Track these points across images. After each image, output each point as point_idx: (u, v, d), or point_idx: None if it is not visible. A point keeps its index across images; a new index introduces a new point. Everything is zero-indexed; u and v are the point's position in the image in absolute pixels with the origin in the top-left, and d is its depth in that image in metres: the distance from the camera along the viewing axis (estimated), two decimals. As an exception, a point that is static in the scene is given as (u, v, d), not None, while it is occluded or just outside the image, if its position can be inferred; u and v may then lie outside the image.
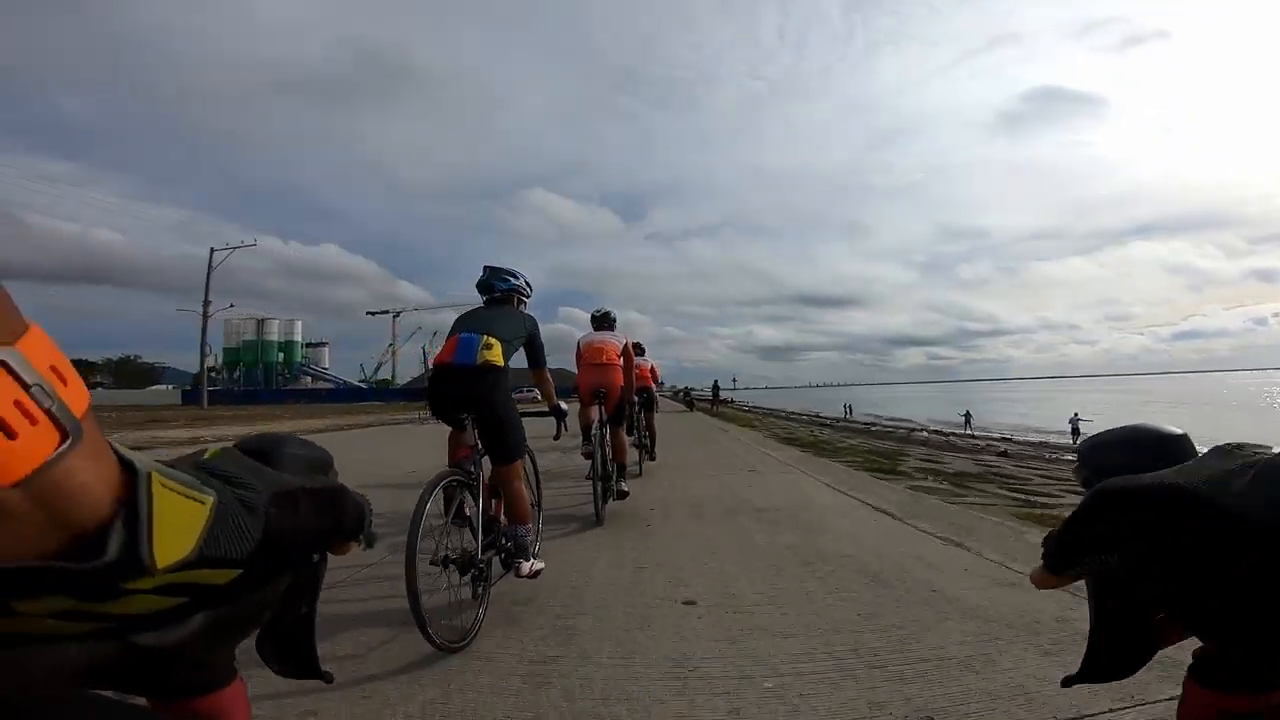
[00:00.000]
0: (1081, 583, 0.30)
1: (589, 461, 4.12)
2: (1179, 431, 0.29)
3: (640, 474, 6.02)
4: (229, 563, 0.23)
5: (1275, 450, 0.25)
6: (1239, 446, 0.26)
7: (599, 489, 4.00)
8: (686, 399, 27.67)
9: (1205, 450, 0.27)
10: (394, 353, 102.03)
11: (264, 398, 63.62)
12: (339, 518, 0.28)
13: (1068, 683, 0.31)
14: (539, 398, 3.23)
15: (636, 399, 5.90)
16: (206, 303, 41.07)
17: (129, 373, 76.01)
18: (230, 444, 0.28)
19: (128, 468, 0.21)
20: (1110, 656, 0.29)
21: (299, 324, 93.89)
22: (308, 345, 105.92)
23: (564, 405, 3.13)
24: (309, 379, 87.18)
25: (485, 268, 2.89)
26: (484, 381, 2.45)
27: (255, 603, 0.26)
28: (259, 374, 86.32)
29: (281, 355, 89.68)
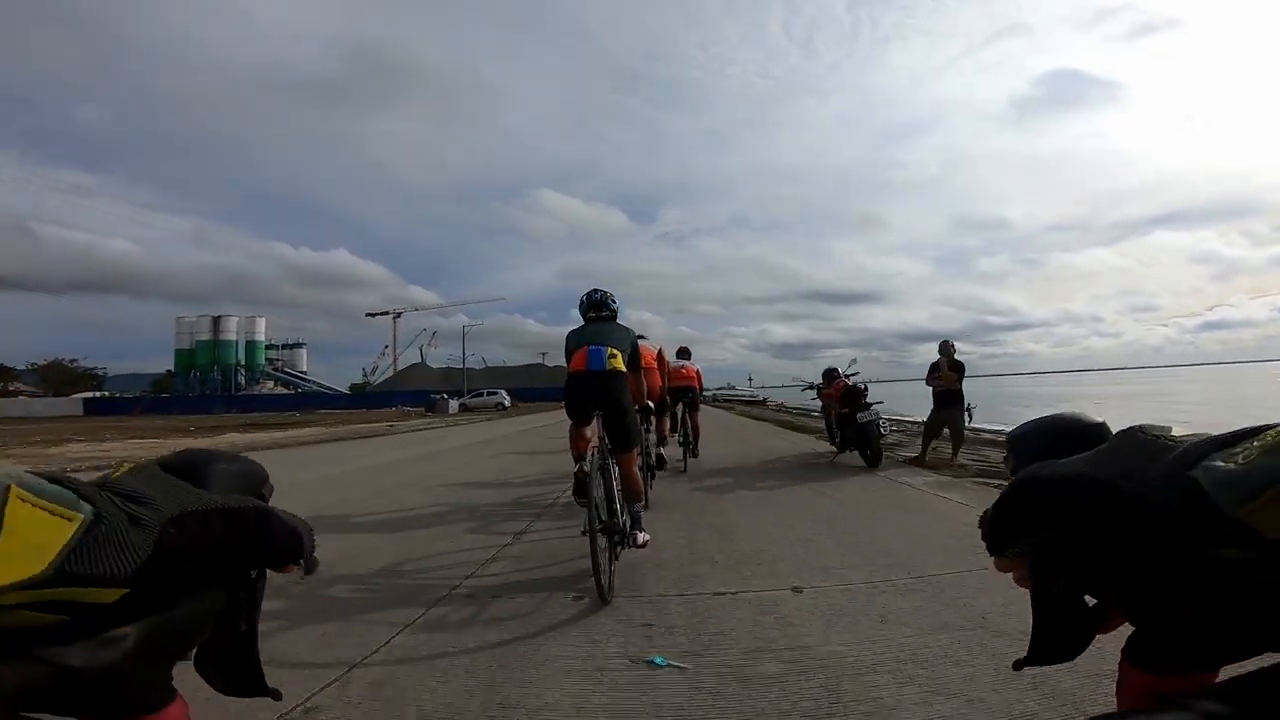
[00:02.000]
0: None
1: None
2: (1098, 420, 0.30)
3: (685, 470, 6.52)
4: (107, 580, 0.22)
5: (1175, 432, 0.25)
6: (1142, 430, 0.26)
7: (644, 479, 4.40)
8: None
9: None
10: (395, 355, 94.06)
11: (193, 405, 53.73)
12: (261, 539, 0.27)
13: (1019, 665, 0.31)
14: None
15: (682, 399, 7.13)
16: None
17: (57, 379, 65.87)
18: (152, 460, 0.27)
19: None
20: (1054, 639, 0.30)
21: (262, 321, 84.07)
22: (282, 346, 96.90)
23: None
24: (272, 383, 77.14)
25: (595, 290, 3.46)
26: (614, 384, 3.13)
27: (188, 620, 0.25)
28: (217, 378, 76.42)
29: (243, 357, 79.70)
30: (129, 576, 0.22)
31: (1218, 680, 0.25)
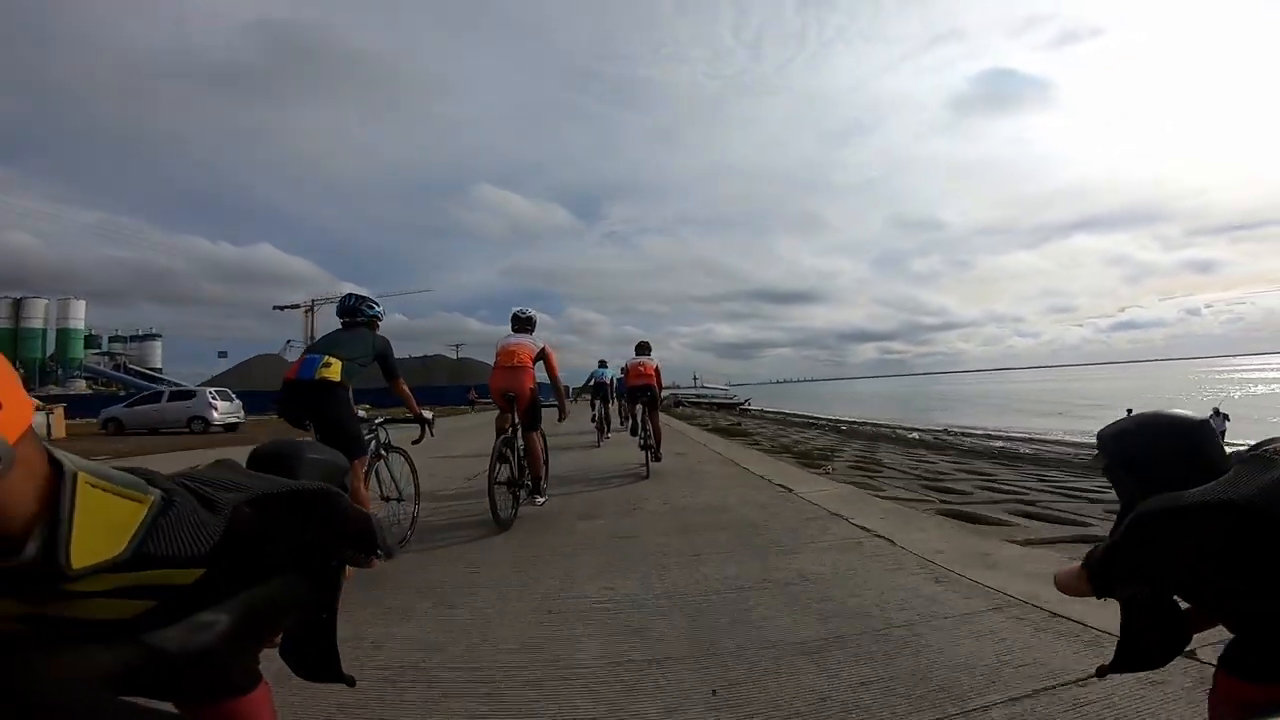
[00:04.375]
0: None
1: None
2: (1199, 417, 0.29)
3: (647, 476, 5.87)
4: (184, 561, 0.22)
5: None
6: (1271, 451, 0.25)
7: (494, 494, 4.11)
8: None
9: (1241, 448, 0.25)
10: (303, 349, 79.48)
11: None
12: (330, 520, 0.28)
13: (1103, 672, 0.30)
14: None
15: (641, 399, 6.63)
16: None
17: None
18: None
19: (57, 470, 0.21)
20: (1144, 645, 0.28)
21: (80, 305, 68.25)
22: (131, 339, 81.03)
23: (427, 414, 3.72)
24: (84, 382, 62.20)
25: (350, 295, 3.45)
26: (319, 394, 3.08)
27: (275, 606, 0.27)
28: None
29: (53, 350, 64.19)
30: (204, 557, 0.23)
31: None
